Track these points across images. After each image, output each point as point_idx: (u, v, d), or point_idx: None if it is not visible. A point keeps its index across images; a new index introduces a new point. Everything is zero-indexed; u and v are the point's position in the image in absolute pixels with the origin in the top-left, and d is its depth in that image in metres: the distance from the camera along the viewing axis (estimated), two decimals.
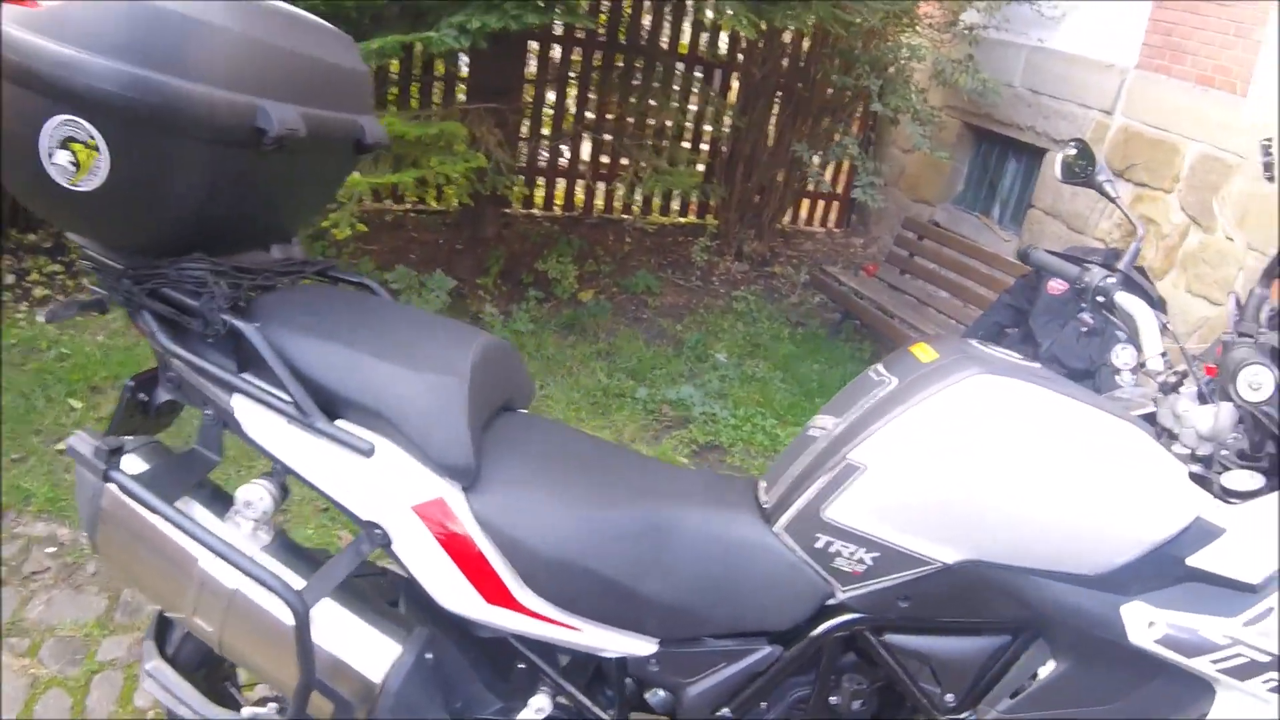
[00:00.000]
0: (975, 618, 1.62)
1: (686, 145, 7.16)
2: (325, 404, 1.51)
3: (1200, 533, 1.51)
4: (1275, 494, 1.56)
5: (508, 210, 6.35)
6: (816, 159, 6.76)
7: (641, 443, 4.25)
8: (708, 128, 7.29)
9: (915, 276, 6.34)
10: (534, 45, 6.37)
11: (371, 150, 1.77)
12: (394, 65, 5.75)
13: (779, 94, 7.03)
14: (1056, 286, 5.18)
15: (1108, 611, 1.51)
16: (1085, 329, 5.02)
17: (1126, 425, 1.54)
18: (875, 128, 7.93)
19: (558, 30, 6.34)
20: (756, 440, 4.51)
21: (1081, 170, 2.16)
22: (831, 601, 1.59)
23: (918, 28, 6.70)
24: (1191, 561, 1.51)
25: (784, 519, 1.59)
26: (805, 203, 8.36)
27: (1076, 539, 1.53)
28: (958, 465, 1.51)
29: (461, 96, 5.95)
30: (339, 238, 4.26)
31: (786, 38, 6.73)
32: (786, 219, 8.07)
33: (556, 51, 6.67)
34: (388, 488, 1.51)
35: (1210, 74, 5.95)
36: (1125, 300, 1.88)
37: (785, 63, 6.90)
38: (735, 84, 7.26)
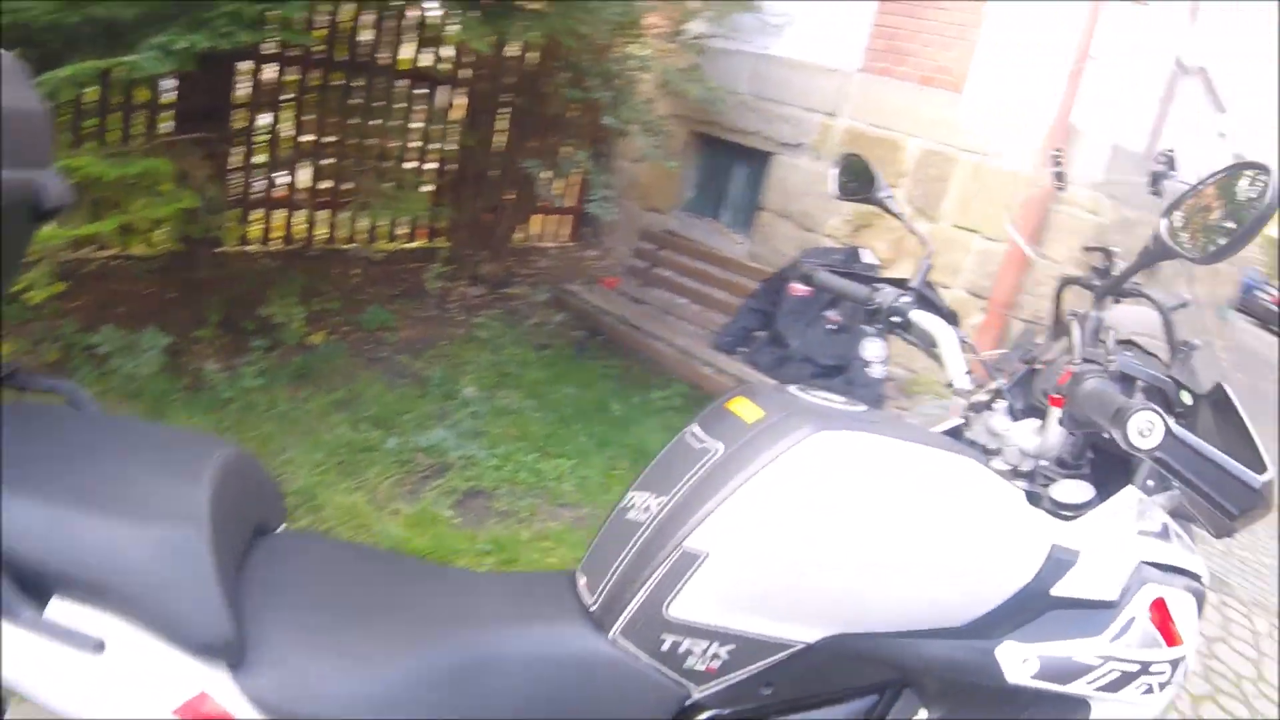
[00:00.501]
0: (844, 687, 1.50)
1: (413, 166, 6.77)
2: (32, 583, 1.16)
3: (1057, 562, 1.47)
4: (1108, 504, 1.56)
5: (220, 249, 5.79)
6: (549, 175, 6.58)
7: (399, 499, 3.92)
8: (434, 146, 6.91)
9: (656, 287, 6.29)
10: (244, 65, 5.80)
11: (55, 215, 1.41)
12: (89, 93, 5.11)
13: (508, 109, 6.78)
14: (798, 288, 5.26)
15: (982, 658, 1.45)
16: (832, 326, 5.12)
17: (971, 464, 1.46)
18: (604, 139, 7.82)
19: (269, 49, 5.81)
20: (521, 479, 4.27)
21: (858, 188, 2.12)
22: (689, 702, 1.40)
23: (644, 39, 6.64)
24: (1055, 592, 1.48)
25: (620, 623, 1.38)
26: (537, 218, 8.15)
27: (944, 597, 1.43)
28: (809, 538, 1.36)
29: (167, 124, 5.37)
30: (34, 301, 3.70)
31: (513, 50, 6.50)
32: (519, 236, 7.84)
33: (268, 71, 6.14)
34: (133, 692, 1.18)
35: (931, 74, 6.22)
36: (922, 319, 1.83)
37: (512, 77, 6.64)
38: (461, 100, 6.93)
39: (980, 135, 6.04)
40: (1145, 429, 1.32)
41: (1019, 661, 1.45)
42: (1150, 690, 1.54)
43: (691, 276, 6.15)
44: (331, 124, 6.21)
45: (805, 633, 1.39)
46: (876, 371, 4.82)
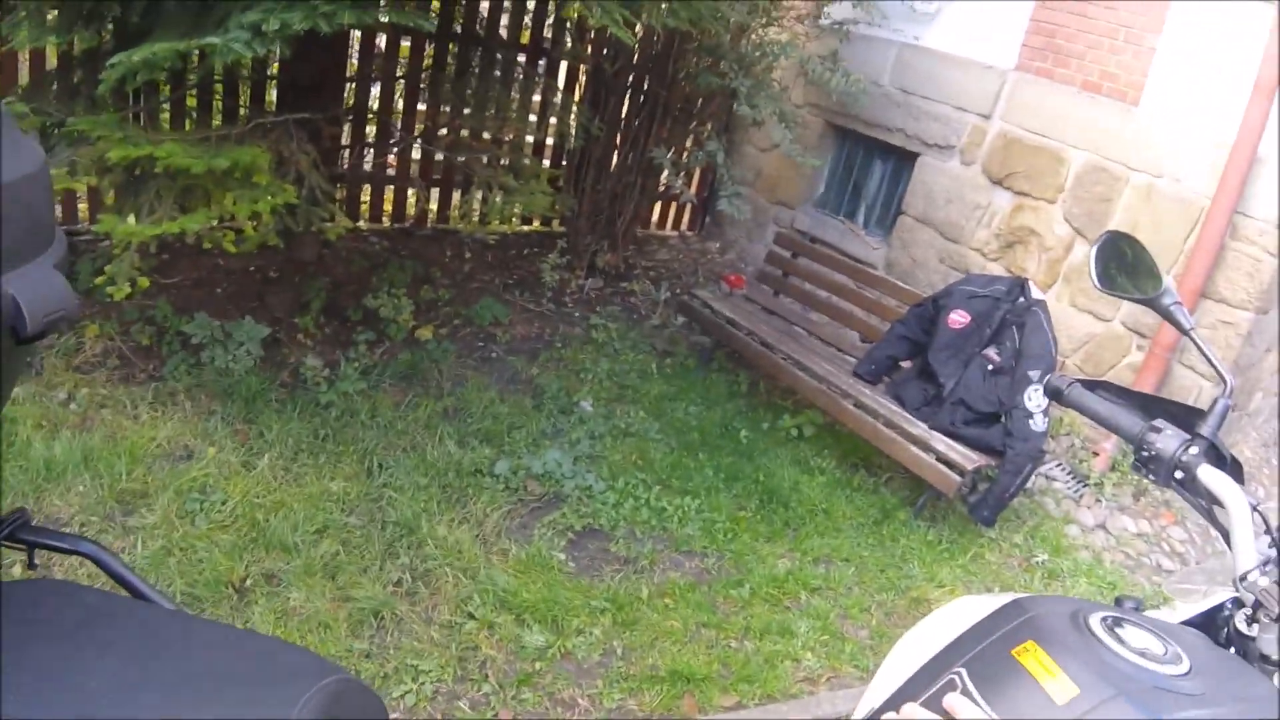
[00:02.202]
0: None
1: (533, 152, 6.31)
2: None
3: None
4: None
5: (329, 223, 5.40)
6: (676, 164, 6.07)
7: (508, 536, 3.52)
8: (552, 123, 6.40)
9: (788, 295, 5.81)
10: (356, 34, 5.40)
11: (42, 337, 0.98)
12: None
13: (632, 90, 6.29)
14: (958, 320, 4.73)
15: None
16: (992, 367, 4.57)
17: None
18: (729, 126, 7.29)
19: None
20: (641, 519, 3.86)
21: (1129, 283, 1.64)
22: None
23: (782, 21, 6.11)
24: None
25: None
26: (656, 206, 7.66)
27: None
28: None
29: (271, 95, 5.00)
30: (118, 298, 3.37)
31: (638, 29, 6.00)
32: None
33: (379, 42, 5.75)
34: None
35: (1097, 80, 5.57)
36: (1212, 479, 1.39)
37: (638, 58, 6.12)
38: (581, 79, 6.46)
39: (1155, 154, 5.39)
40: None
41: None
42: None
43: (826, 287, 5.66)
44: (445, 97, 5.77)
45: None
46: (1038, 424, 4.26)
